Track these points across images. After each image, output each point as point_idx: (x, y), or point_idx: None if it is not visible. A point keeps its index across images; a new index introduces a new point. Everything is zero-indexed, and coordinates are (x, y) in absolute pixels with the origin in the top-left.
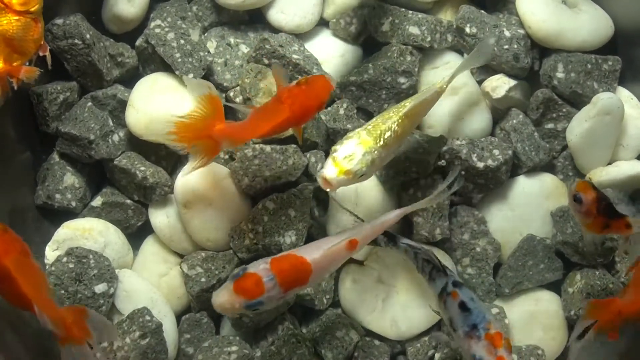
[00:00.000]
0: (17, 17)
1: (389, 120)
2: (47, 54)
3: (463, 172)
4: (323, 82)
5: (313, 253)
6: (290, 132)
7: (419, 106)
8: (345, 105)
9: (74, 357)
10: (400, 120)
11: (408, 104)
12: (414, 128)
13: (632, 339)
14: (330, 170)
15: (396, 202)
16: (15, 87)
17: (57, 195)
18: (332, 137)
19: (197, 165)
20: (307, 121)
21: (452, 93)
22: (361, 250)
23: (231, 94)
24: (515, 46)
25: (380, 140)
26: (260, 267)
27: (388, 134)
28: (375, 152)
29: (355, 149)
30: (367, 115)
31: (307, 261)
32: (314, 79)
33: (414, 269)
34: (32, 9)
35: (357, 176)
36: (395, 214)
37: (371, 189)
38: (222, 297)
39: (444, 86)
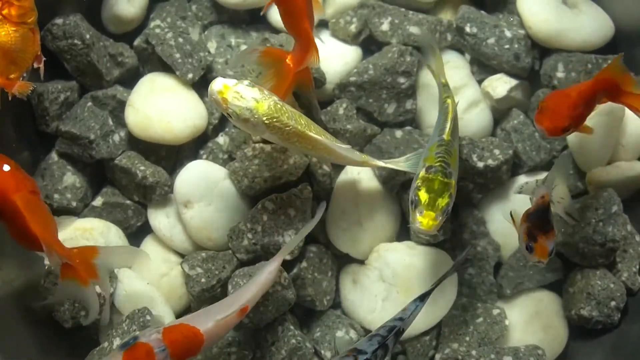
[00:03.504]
0: (15, 28)
1: (294, 121)
2: (42, 65)
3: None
4: None
5: (206, 323)
6: None
7: (326, 148)
8: (345, 105)
9: (70, 294)
10: (299, 132)
11: (323, 138)
12: (303, 152)
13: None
14: (218, 85)
15: (396, 202)
16: (10, 99)
17: (56, 195)
18: None
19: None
20: None
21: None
22: (362, 251)
23: None
24: (516, 46)
25: (268, 118)
26: (152, 337)
27: (278, 124)
28: (255, 117)
29: (249, 98)
30: (367, 115)
31: (200, 332)
32: None
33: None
34: (29, 20)
35: (225, 110)
36: (275, 264)
37: (371, 189)
38: None
39: (369, 162)
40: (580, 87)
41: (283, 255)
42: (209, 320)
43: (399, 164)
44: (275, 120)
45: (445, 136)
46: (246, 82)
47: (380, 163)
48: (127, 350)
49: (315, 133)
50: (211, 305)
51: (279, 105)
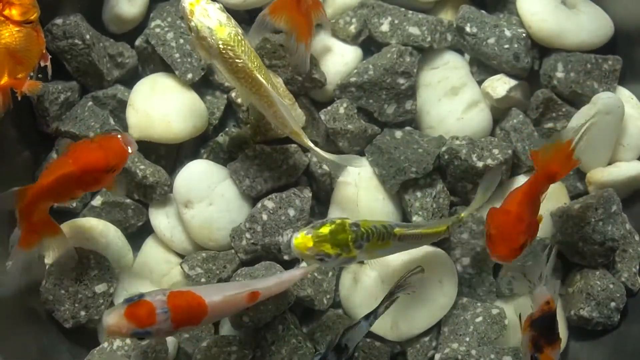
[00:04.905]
0: (18, 28)
1: (247, 57)
2: (48, 63)
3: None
4: None
5: (213, 296)
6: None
7: (268, 96)
8: (345, 105)
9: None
10: (247, 70)
11: (269, 85)
12: (248, 97)
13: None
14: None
15: (396, 201)
16: (19, 98)
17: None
18: (332, 137)
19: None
20: None
21: (452, 93)
22: None
23: (233, 95)
24: (516, 46)
25: (223, 44)
26: (157, 298)
27: (231, 53)
28: (212, 39)
29: (214, 19)
30: (367, 115)
31: (204, 303)
32: None
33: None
34: (32, 18)
35: (188, 22)
36: (300, 272)
37: (371, 189)
38: (112, 319)
39: (300, 137)
40: (518, 197)
41: (310, 269)
42: (216, 294)
43: (330, 154)
44: (229, 49)
45: (396, 230)
46: (218, 5)
47: (310, 143)
48: (130, 305)
49: (264, 78)
50: (224, 283)
51: (239, 38)
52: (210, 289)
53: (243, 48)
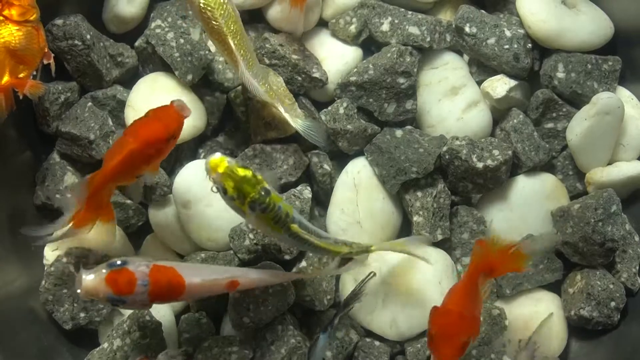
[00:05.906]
0: (17, 27)
1: (223, 21)
2: (52, 61)
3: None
4: None
5: (193, 277)
6: (289, 132)
7: (236, 61)
8: (345, 105)
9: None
10: (221, 33)
11: (241, 52)
12: (226, 59)
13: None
14: None
15: (396, 201)
16: (21, 97)
17: (57, 196)
18: (333, 138)
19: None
20: None
21: (452, 93)
22: None
23: (232, 95)
24: (516, 46)
25: (204, 3)
26: (140, 269)
27: (209, 14)
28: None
29: None
30: (367, 114)
31: (183, 283)
32: None
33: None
34: (32, 18)
35: None
36: (287, 276)
37: (371, 189)
38: (91, 282)
39: (269, 100)
40: (458, 293)
41: (300, 276)
42: (197, 277)
43: (298, 121)
44: (208, 9)
45: (293, 225)
46: None
47: (278, 105)
48: (112, 271)
49: (236, 44)
50: (207, 265)
51: (221, 1)
52: (192, 270)
53: (222, 12)
